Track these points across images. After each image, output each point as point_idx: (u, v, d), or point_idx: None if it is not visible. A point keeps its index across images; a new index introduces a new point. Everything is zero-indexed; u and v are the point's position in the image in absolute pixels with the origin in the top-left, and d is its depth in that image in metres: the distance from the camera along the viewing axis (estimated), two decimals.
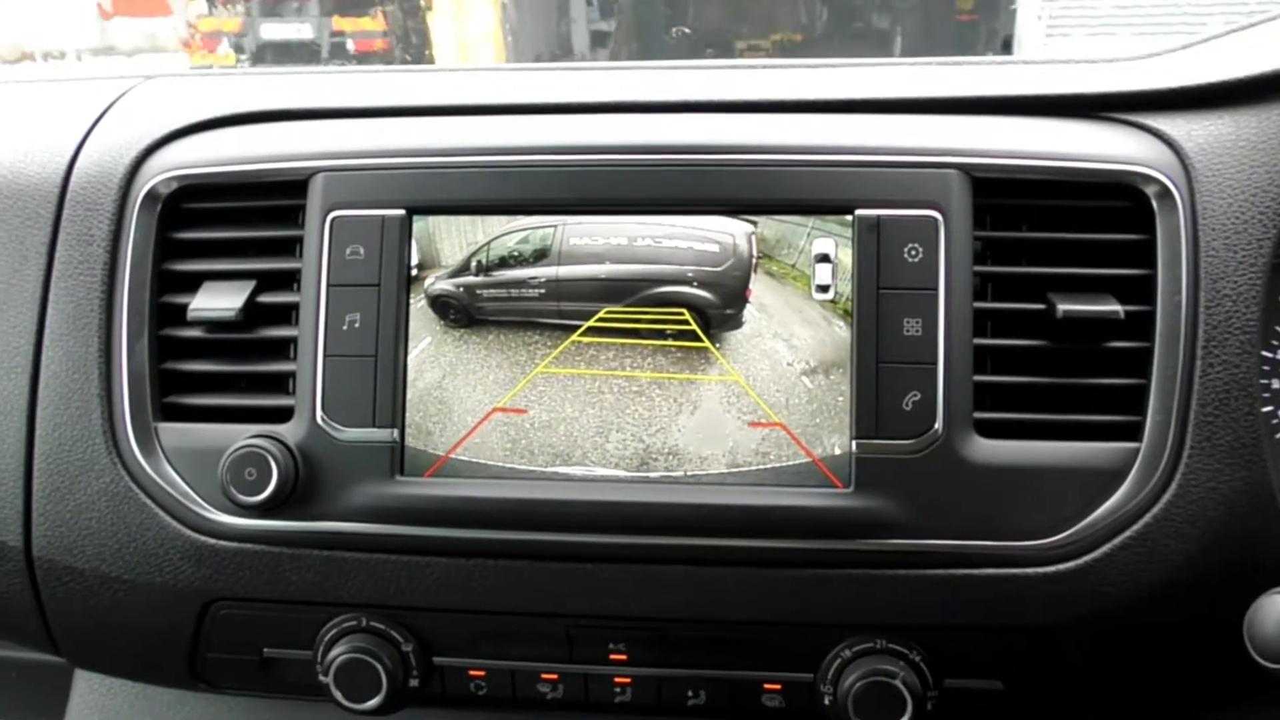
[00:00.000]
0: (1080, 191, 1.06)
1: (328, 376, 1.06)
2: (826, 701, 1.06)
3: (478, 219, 1.07)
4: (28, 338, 1.13)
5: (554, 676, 1.12)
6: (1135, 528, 1.00)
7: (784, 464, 1.03)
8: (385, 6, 12.57)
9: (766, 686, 1.10)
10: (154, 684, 1.30)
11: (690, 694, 1.11)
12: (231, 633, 1.13)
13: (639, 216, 1.05)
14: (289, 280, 1.11)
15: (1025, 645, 1.05)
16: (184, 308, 1.11)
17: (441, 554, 1.07)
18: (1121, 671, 1.06)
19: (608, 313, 1.05)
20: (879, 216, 1.03)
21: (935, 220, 1.02)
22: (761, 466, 1.03)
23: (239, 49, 12.64)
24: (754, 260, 1.04)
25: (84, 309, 1.11)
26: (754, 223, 1.05)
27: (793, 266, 1.04)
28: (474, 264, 1.07)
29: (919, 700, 1.03)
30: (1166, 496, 1.00)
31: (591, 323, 1.05)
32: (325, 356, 1.06)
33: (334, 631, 1.10)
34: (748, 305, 1.04)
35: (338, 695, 1.08)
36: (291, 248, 1.12)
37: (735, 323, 1.04)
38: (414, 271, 1.07)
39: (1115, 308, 1.02)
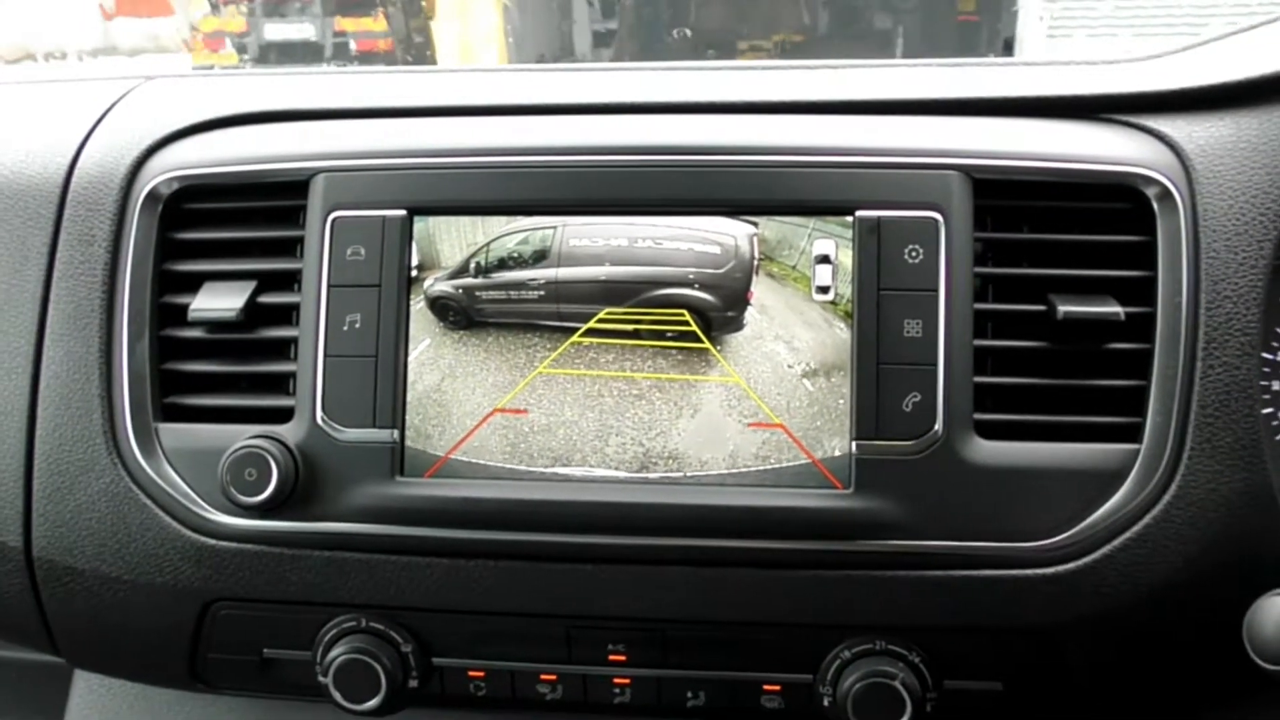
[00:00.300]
0: (1081, 193, 1.06)
1: (328, 377, 1.06)
2: (826, 703, 1.06)
3: (478, 220, 1.07)
4: (28, 338, 1.13)
5: (553, 677, 1.12)
6: (1135, 529, 1.00)
7: (784, 465, 1.02)
8: (388, 7, 12.57)
9: (766, 687, 1.09)
10: (153, 684, 1.30)
11: (689, 695, 1.11)
12: (231, 633, 1.13)
13: (640, 217, 1.05)
14: (290, 281, 1.11)
15: (1025, 646, 1.05)
16: (185, 308, 1.11)
17: (441, 555, 1.07)
18: (1121, 673, 1.06)
19: (608, 314, 1.05)
20: (879, 218, 1.03)
21: (936, 221, 1.02)
22: (761, 467, 1.03)
23: (242, 49, 12.65)
24: (756, 262, 1.04)
25: (85, 309, 1.11)
26: (755, 224, 1.05)
27: (793, 268, 1.04)
28: (473, 265, 1.07)
29: (918, 701, 1.03)
30: (1166, 498, 1.00)
31: (592, 324, 1.05)
32: (325, 357, 1.06)
33: (333, 632, 1.10)
34: (749, 307, 1.04)
35: (337, 696, 1.08)
36: (292, 248, 1.12)
37: (736, 325, 1.04)
38: (414, 273, 1.07)
39: (1116, 309, 1.02)
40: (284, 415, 1.08)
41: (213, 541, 1.09)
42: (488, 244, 1.07)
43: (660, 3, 12.97)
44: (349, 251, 1.07)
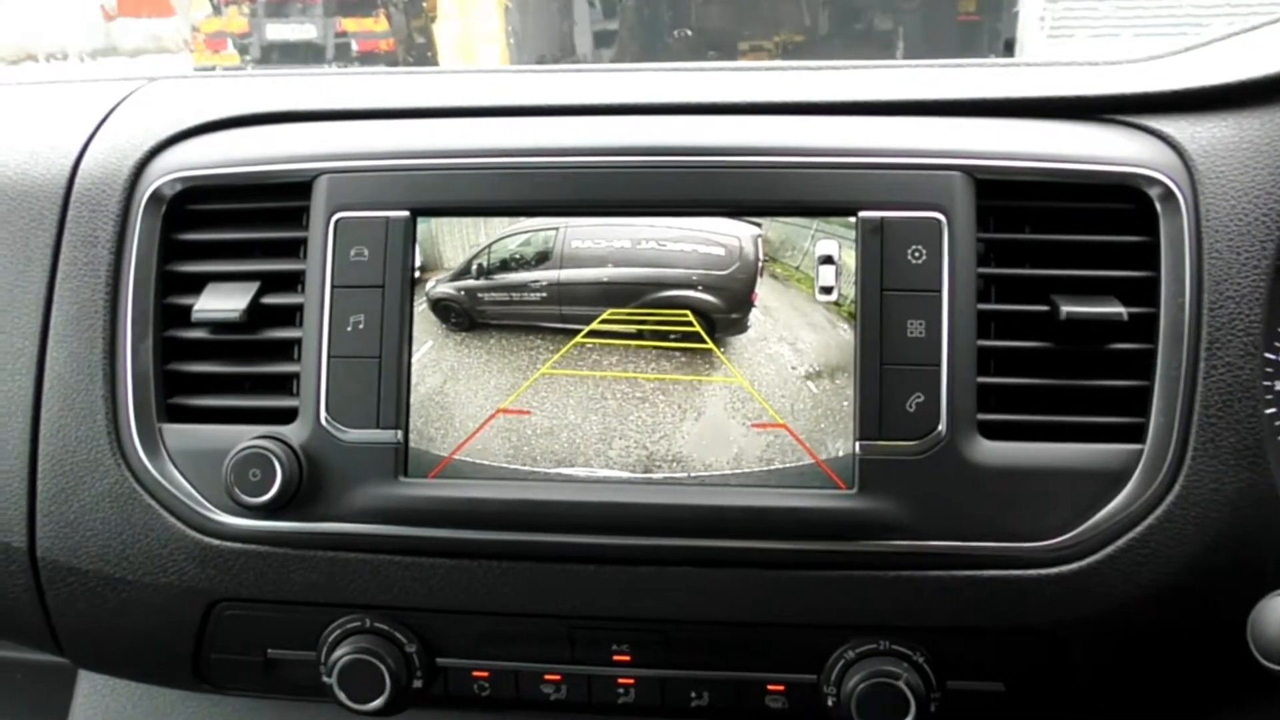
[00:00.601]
0: (1083, 193, 1.06)
1: (332, 378, 1.06)
2: (830, 703, 1.06)
3: (480, 222, 1.07)
4: (32, 339, 1.13)
5: (557, 677, 1.12)
6: (1138, 529, 1.00)
7: (787, 465, 1.03)
8: (389, 8, 12.58)
9: (770, 688, 1.10)
10: (158, 685, 1.31)
11: (693, 695, 1.11)
12: (235, 633, 1.13)
13: (643, 219, 1.05)
14: (293, 281, 1.11)
15: (1028, 647, 1.05)
16: (188, 309, 1.11)
17: (445, 555, 1.07)
18: (1124, 673, 1.06)
19: (611, 314, 1.05)
20: (882, 218, 1.03)
21: (939, 222, 1.02)
22: (765, 468, 1.03)
23: (244, 50, 12.65)
24: (760, 264, 1.04)
25: (88, 310, 1.12)
26: (758, 225, 1.05)
27: (796, 269, 1.04)
28: (475, 267, 1.07)
29: (922, 701, 1.03)
30: (1170, 498, 1.00)
31: (595, 325, 1.05)
32: (329, 358, 1.07)
33: (338, 632, 1.11)
34: (753, 309, 1.04)
35: (341, 696, 1.09)
36: (296, 249, 1.12)
37: (740, 327, 1.04)
38: (416, 274, 1.07)
39: (1119, 309, 1.02)
40: (288, 416, 1.08)
41: (217, 542, 1.09)
42: (489, 245, 1.07)
43: (661, 3, 12.97)
44: (352, 252, 1.07)
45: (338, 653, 1.09)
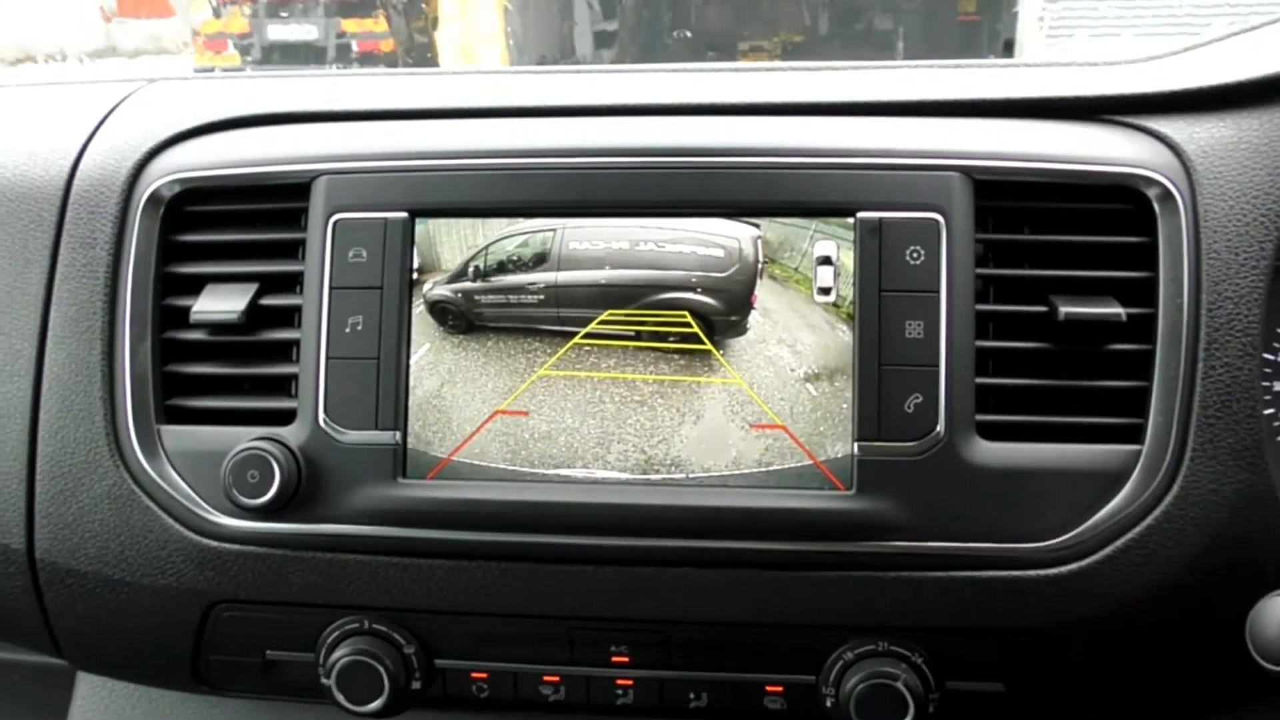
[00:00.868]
0: (1082, 194, 1.06)
1: (330, 379, 1.06)
2: (828, 704, 1.06)
3: (478, 223, 1.07)
4: (31, 340, 1.13)
5: (556, 679, 1.12)
6: (1137, 530, 1.00)
7: (786, 466, 1.03)
8: (389, 9, 12.57)
9: (768, 689, 1.10)
10: (156, 686, 1.31)
11: (692, 696, 1.11)
12: (234, 635, 1.13)
13: (641, 220, 1.05)
14: (292, 283, 1.11)
15: (1027, 647, 1.05)
16: (187, 310, 1.11)
17: (444, 556, 1.07)
18: (1123, 674, 1.06)
19: (610, 315, 1.05)
20: (881, 219, 1.03)
21: (937, 222, 1.02)
22: (764, 469, 1.03)
23: (245, 50, 12.65)
24: (760, 265, 1.04)
25: (87, 312, 1.12)
26: (757, 226, 1.05)
27: (795, 270, 1.04)
28: (471, 269, 1.07)
29: (921, 702, 1.03)
30: (1168, 499, 1.00)
31: (593, 326, 1.05)
32: (328, 359, 1.07)
33: (336, 634, 1.11)
34: (752, 311, 1.04)
35: (340, 697, 1.09)
36: (294, 250, 1.12)
37: (740, 329, 1.04)
38: (414, 275, 1.07)
39: (1117, 310, 1.02)
40: (286, 417, 1.08)
41: (215, 543, 1.09)
42: (486, 247, 1.07)
43: (661, 4, 12.96)
44: (351, 253, 1.07)
45: (336, 654, 1.09)
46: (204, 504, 1.09)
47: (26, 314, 1.13)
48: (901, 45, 11.92)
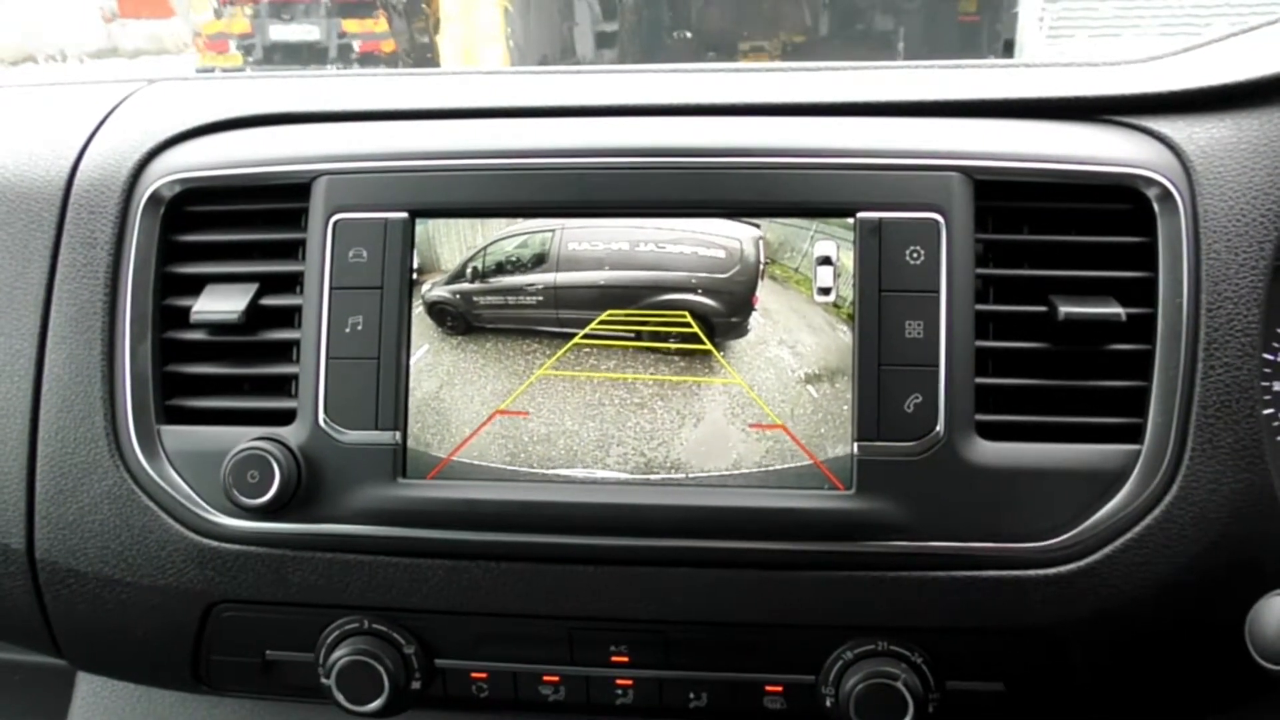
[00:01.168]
0: (1081, 194, 1.06)
1: (330, 379, 1.06)
2: (828, 704, 1.06)
3: (477, 224, 1.07)
4: (31, 341, 1.13)
5: (556, 679, 1.12)
6: (1137, 530, 1.00)
7: (786, 466, 1.03)
8: (390, 11, 12.58)
9: (768, 689, 1.10)
10: (156, 686, 1.31)
11: (691, 696, 1.11)
12: (234, 635, 1.13)
13: (641, 220, 1.05)
14: (292, 283, 1.11)
15: (1027, 647, 1.05)
16: (187, 310, 1.11)
17: (444, 556, 1.07)
18: (1123, 673, 1.06)
19: (610, 315, 1.05)
20: (880, 219, 1.03)
21: (937, 223, 1.02)
22: (763, 469, 1.03)
23: (248, 50, 12.66)
24: (761, 267, 1.04)
25: (87, 312, 1.12)
26: (758, 226, 1.05)
27: (795, 270, 1.04)
28: (469, 270, 1.07)
29: (920, 702, 1.03)
30: (1168, 499, 1.00)
31: (593, 326, 1.05)
32: (328, 359, 1.07)
33: (336, 634, 1.11)
34: (753, 312, 1.04)
35: (340, 697, 1.09)
36: (294, 250, 1.12)
37: (741, 331, 1.04)
38: (414, 276, 1.07)
39: (1117, 310, 1.02)
40: (286, 417, 1.08)
41: (215, 543, 1.09)
42: (484, 248, 1.07)
43: (662, 4, 12.97)
44: (351, 254, 1.07)
45: (336, 654, 1.09)
46: (204, 504, 1.09)
47: (27, 314, 1.14)
48: (902, 45, 11.94)
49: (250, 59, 12.53)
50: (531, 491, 1.05)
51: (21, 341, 1.13)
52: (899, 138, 1.08)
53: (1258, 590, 0.97)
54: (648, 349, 1.05)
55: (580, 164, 1.07)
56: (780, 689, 1.09)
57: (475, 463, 1.05)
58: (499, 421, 1.05)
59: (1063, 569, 1.01)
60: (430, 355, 1.06)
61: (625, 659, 1.10)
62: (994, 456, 1.02)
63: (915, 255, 1.02)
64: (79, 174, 1.16)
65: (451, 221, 1.07)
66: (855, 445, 1.01)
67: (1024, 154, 1.06)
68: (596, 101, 1.16)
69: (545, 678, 1.12)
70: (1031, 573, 1.01)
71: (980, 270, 1.05)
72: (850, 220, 1.03)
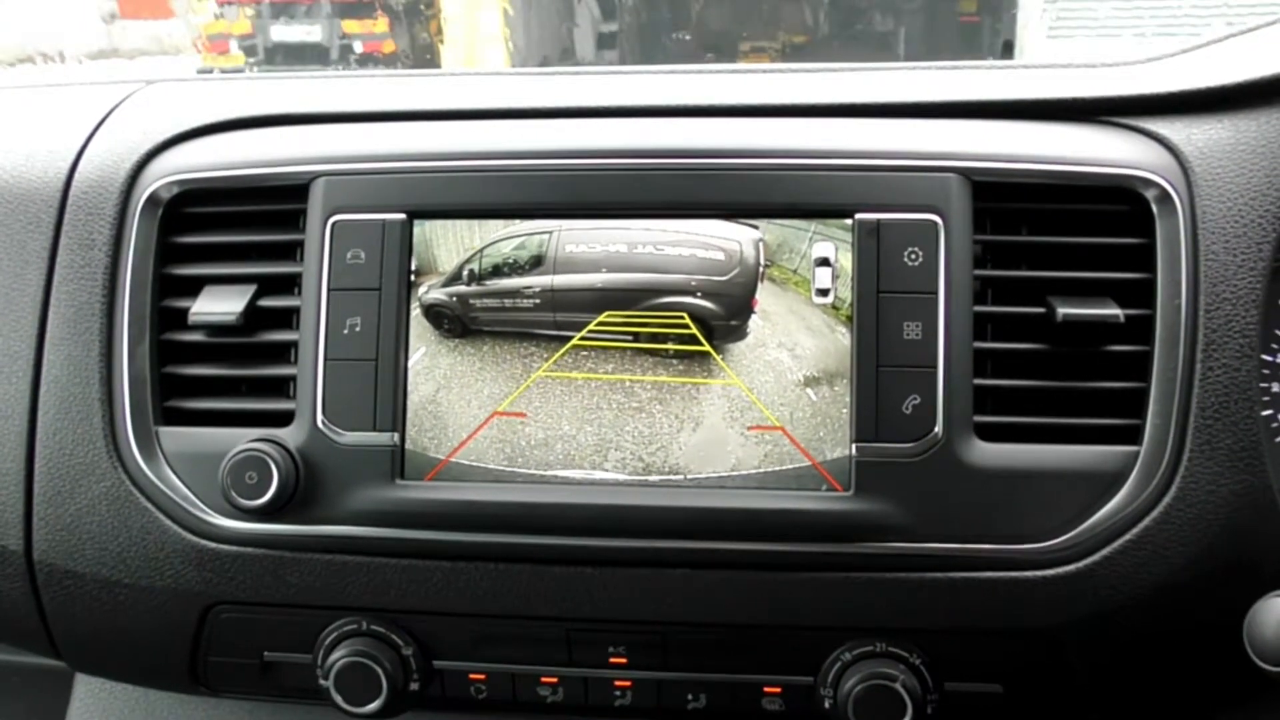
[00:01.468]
0: (1080, 195, 1.06)
1: (328, 380, 1.06)
2: (826, 705, 1.06)
3: (475, 226, 1.07)
4: (29, 342, 1.13)
5: (554, 680, 1.12)
6: (1135, 531, 1.00)
7: (784, 467, 1.02)
8: (389, 10, 12.59)
9: (766, 690, 1.09)
10: (155, 688, 1.31)
11: (690, 697, 1.11)
12: (232, 636, 1.13)
13: (639, 222, 1.05)
14: (290, 284, 1.11)
15: (1025, 648, 1.05)
16: (185, 312, 1.11)
17: (442, 557, 1.07)
18: (1122, 675, 1.06)
19: (608, 316, 1.05)
20: (879, 220, 1.03)
21: (935, 224, 1.02)
22: (762, 470, 1.03)
23: (250, 51, 12.67)
24: (761, 269, 1.04)
25: (85, 313, 1.12)
26: (756, 227, 1.04)
27: (794, 272, 1.04)
28: (466, 273, 1.07)
29: (919, 703, 1.03)
30: (1166, 500, 1.00)
31: (592, 327, 1.05)
32: (326, 360, 1.06)
33: (334, 635, 1.11)
34: (752, 315, 1.04)
35: (338, 699, 1.09)
36: (292, 252, 1.12)
37: (740, 334, 1.04)
38: (411, 277, 1.07)
39: (1115, 311, 1.02)
40: (284, 419, 1.08)
41: (213, 545, 1.09)
42: (480, 250, 1.07)
43: (663, 5, 12.98)
44: (349, 255, 1.07)
45: (334, 655, 1.09)
46: (202, 505, 1.09)
47: (25, 315, 1.14)
48: (902, 45, 11.95)
49: (251, 60, 12.54)
50: (530, 493, 1.05)
51: (19, 343, 1.13)
52: (897, 139, 1.08)
53: (1256, 591, 0.97)
54: (646, 351, 1.04)
55: (578, 165, 1.07)
56: (779, 690, 1.09)
57: (473, 464, 1.05)
58: (497, 423, 1.05)
59: (1061, 570, 1.01)
60: (427, 358, 1.06)
61: (623, 660, 1.10)
62: (992, 458, 1.02)
63: (913, 256, 1.02)
64: (77, 175, 1.16)
65: (449, 223, 1.07)
66: (853, 447, 1.01)
67: (1022, 155, 1.06)
68: (594, 103, 1.16)
69: (543, 679, 1.12)
70: (1030, 574, 1.01)
71: (978, 271, 1.04)
72: (848, 221, 1.03)
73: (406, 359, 1.06)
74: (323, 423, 1.06)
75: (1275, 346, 1.09)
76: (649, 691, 1.11)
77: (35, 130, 1.24)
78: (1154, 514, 1.00)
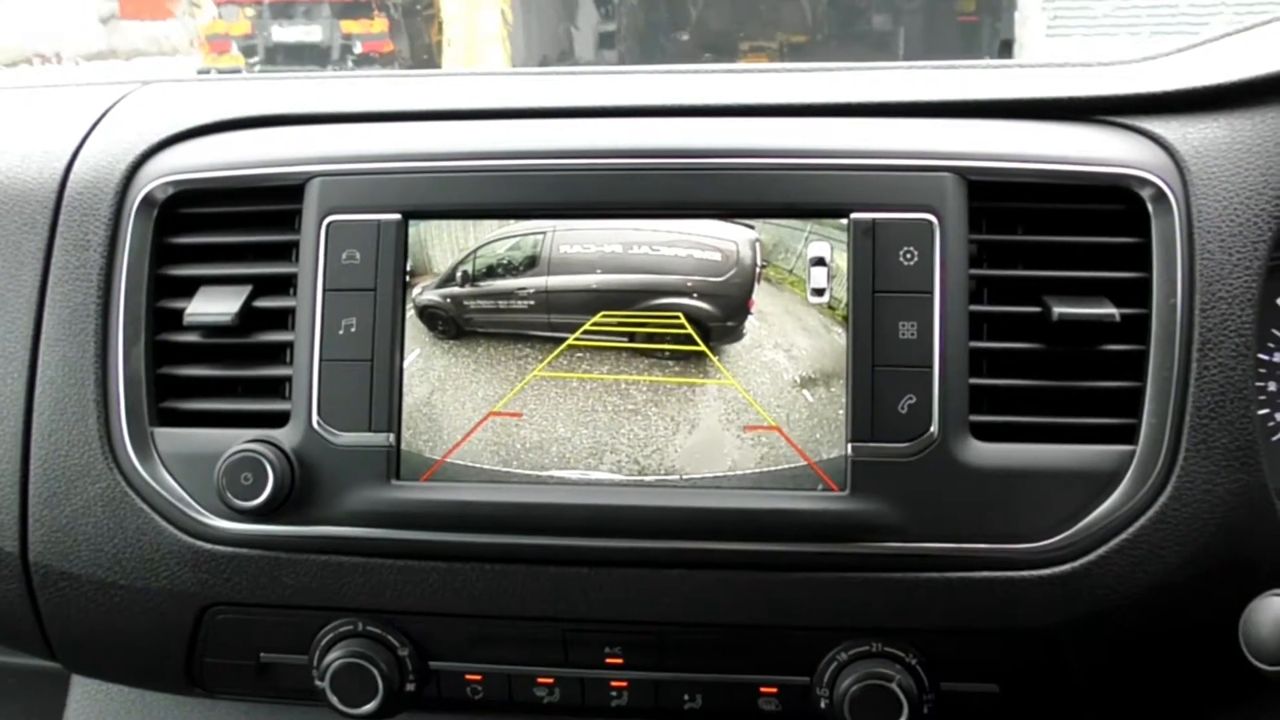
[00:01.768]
0: (1075, 195, 1.06)
1: (324, 381, 1.06)
2: (823, 705, 1.06)
3: (469, 226, 1.07)
4: (24, 343, 1.13)
5: (550, 680, 1.12)
6: (1131, 530, 1.00)
7: (780, 468, 1.02)
8: (388, 11, 12.60)
9: (762, 690, 1.09)
10: (151, 689, 1.31)
11: (686, 697, 1.11)
12: (228, 638, 1.13)
13: (635, 222, 1.05)
14: (285, 285, 1.11)
15: (1021, 648, 1.05)
16: (180, 313, 1.11)
17: (438, 558, 1.07)
18: (1118, 674, 1.06)
19: (604, 316, 1.05)
20: (874, 220, 1.03)
21: (930, 223, 1.02)
22: (758, 470, 1.03)
23: (250, 51, 12.67)
24: (758, 270, 1.04)
25: (80, 314, 1.11)
26: (752, 227, 1.04)
27: (790, 272, 1.04)
28: (460, 274, 1.06)
29: (915, 703, 1.03)
30: (1162, 499, 1.00)
31: (587, 327, 1.05)
32: (321, 361, 1.06)
33: (330, 636, 1.11)
34: (749, 316, 1.04)
35: (334, 700, 1.09)
36: (288, 252, 1.12)
37: (736, 335, 1.04)
38: (407, 278, 1.07)
39: (1111, 310, 1.02)
40: (280, 419, 1.08)
41: (209, 546, 1.09)
42: (474, 251, 1.07)
43: (663, 5, 12.98)
44: (344, 255, 1.07)
45: (330, 656, 1.09)
46: (198, 506, 1.09)
47: (20, 316, 1.13)
48: (902, 45, 11.95)
49: (252, 59, 12.53)
50: (525, 493, 1.05)
51: (14, 344, 1.13)
52: (893, 138, 1.07)
53: (1252, 591, 0.97)
54: (642, 351, 1.04)
55: (573, 165, 1.07)
56: (775, 690, 1.09)
57: (469, 465, 1.05)
58: (492, 424, 1.05)
59: (1057, 570, 1.01)
60: (422, 359, 1.06)
61: (620, 660, 1.10)
62: (988, 457, 1.01)
63: (909, 256, 1.02)
64: (72, 176, 1.16)
65: (443, 225, 1.07)
66: (849, 446, 1.01)
67: (1018, 154, 1.06)
68: (589, 102, 1.16)
69: (540, 679, 1.12)
70: (1026, 574, 1.01)
71: (974, 271, 1.04)
72: (844, 221, 1.03)
73: (402, 359, 1.06)
74: (318, 423, 1.06)
75: (1271, 345, 1.09)
76: (645, 692, 1.11)
77: (30, 131, 1.23)
78: (1150, 513, 1.00)
